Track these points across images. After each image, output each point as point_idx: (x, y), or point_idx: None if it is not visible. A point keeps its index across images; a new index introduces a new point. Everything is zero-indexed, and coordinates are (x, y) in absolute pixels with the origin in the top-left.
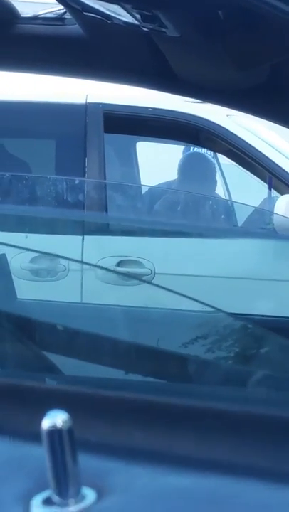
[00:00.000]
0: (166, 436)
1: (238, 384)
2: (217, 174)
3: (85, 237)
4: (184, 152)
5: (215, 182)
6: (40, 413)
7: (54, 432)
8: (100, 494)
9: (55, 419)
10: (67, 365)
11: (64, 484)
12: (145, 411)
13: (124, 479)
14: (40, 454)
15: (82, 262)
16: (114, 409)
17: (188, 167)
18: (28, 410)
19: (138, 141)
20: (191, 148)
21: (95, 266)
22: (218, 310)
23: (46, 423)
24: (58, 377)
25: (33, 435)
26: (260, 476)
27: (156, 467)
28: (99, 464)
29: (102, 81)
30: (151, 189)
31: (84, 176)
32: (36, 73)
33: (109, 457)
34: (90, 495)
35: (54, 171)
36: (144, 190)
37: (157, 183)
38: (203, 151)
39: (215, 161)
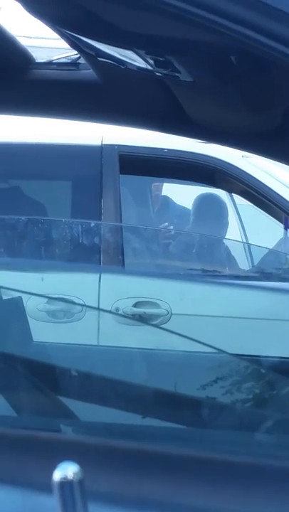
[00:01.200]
0: (175, 486)
1: (250, 428)
2: (230, 215)
3: (102, 278)
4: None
5: (227, 223)
6: (53, 463)
7: (65, 484)
8: None
9: (66, 471)
10: (84, 410)
11: None
12: (155, 461)
13: None
14: (52, 504)
15: (98, 308)
16: (125, 460)
17: (202, 208)
18: (41, 461)
19: (154, 183)
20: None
21: (110, 312)
22: (231, 354)
23: (57, 475)
24: (73, 423)
25: (46, 486)
26: None
27: None
28: None
29: (116, 125)
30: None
31: (100, 217)
32: (51, 118)
33: (119, 507)
34: None
35: (70, 212)
36: (159, 232)
37: None
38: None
39: (231, 202)
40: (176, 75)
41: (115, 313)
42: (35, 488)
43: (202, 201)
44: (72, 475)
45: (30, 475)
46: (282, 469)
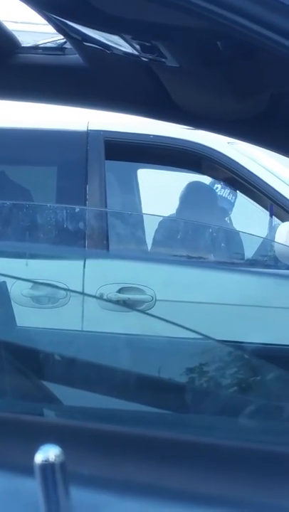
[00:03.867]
0: (158, 470)
1: (234, 413)
2: (220, 203)
3: (87, 263)
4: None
5: (216, 211)
6: (35, 446)
7: (47, 466)
8: None
9: (47, 453)
10: (67, 394)
11: None
12: (138, 444)
13: None
14: (34, 487)
15: (83, 293)
16: (108, 443)
17: (189, 197)
18: (24, 443)
19: (139, 169)
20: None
21: (95, 297)
22: (215, 340)
23: (39, 457)
24: (56, 407)
25: (28, 468)
26: (253, 510)
27: (149, 501)
28: (92, 497)
29: (102, 110)
30: (152, 217)
31: (85, 203)
32: (36, 102)
33: (101, 490)
34: None
35: (55, 197)
36: (145, 218)
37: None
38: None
39: (230, 193)
40: (162, 60)
41: (100, 298)
42: (17, 471)
43: (190, 190)
44: (54, 457)
45: (12, 458)
46: (265, 453)
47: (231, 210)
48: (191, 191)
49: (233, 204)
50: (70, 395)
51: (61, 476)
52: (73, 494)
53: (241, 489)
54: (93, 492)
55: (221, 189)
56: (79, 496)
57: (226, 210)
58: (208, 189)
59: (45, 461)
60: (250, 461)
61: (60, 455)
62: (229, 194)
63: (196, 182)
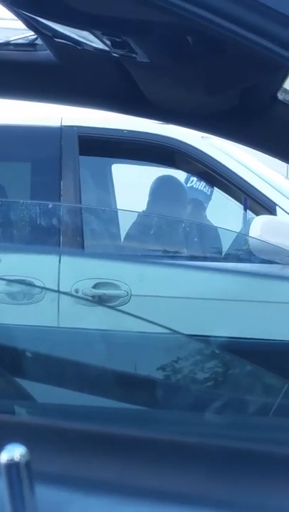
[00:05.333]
0: (123, 468)
1: (205, 408)
2: (195, 196)
3: (62, 259)
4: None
5: (185, 206)
6: (2, 446)
7: (12, 466)
8: None
9: (13, 452)
10: (42, 392)
11: None
12: (103, 442)
13: (80, 511)
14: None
15: (58, 291)
16: (74, 441)
17: (158, 190)
18: None
19: (113, 164)
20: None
21: (70, 295)
22: (185, 335)
23: (4, 457)
24: (29, 404)
25: None
26: (213, 507)
27: (113, 498)
28: (57, 495)
29: (74, 106)
30: (127, 213)
31: (59, 198)
32: (7, 98)
33: (67, 488)
34: None
35: (29, 193)
36: (119, 213)
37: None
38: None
39: (205, 185)
40: (133, 55)
41: (75, 295)
42: None
43: (159, 183)
44: (19, 457)
45: None
46: (233, 449)
47: (207, 202)
48: (161, 185)
49: (209, 197)
50: (44, 392)
51: (26, 475)
52: (39, 493)
53: (210, 486)
54: (59, 490)
55: (196, 182)
56: (45, 494)
57: (201, 203)
58: (177, 182)
59: (10, 460)
60: (218, 458)
61: (26, 454)
62: (205, 187)
63: (165, 176)
